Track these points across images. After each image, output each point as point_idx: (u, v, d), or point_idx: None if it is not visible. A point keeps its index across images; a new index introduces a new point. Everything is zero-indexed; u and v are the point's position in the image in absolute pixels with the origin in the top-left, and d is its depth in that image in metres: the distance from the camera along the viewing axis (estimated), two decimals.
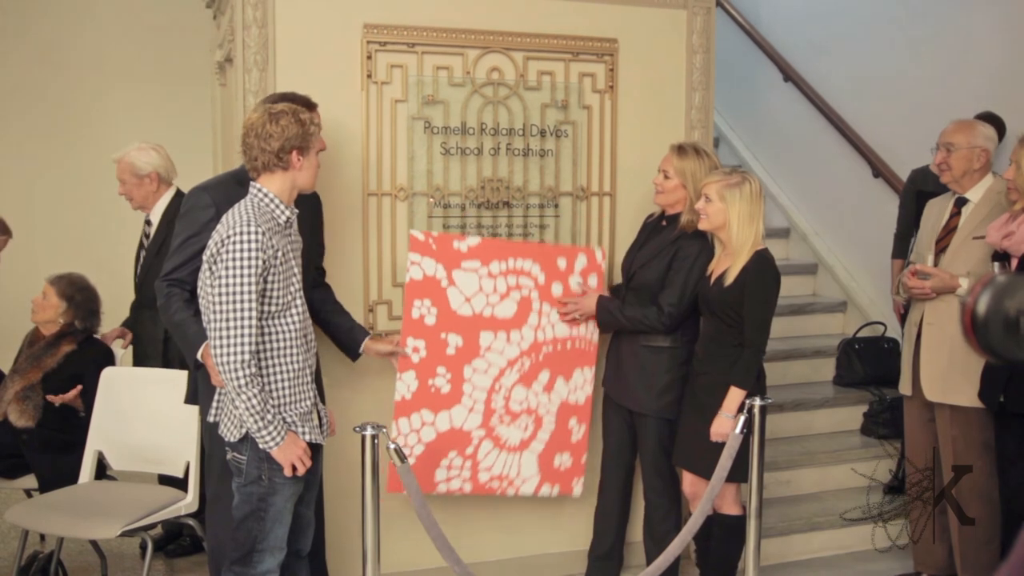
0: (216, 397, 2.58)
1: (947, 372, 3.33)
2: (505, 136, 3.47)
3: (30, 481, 3.59)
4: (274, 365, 2.47)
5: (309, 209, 2.98)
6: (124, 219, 5.48)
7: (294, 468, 2.48)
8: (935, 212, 3.52)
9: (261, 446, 2.44)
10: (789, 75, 5.75)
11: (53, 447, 3.55)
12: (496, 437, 3.35)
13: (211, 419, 2.59)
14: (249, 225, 2.37)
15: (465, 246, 3.27)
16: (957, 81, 4.58)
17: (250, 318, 2.37)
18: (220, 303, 2.36)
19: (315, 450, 2.61)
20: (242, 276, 2.35)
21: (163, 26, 5.64)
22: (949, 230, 3.41)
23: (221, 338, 2.37)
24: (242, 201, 2.50)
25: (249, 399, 2.39)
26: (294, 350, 2.50)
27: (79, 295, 3.73)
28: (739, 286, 3.05)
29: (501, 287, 3.31)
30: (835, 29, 5.51)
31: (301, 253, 2.64)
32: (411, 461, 3.20)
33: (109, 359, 3.74)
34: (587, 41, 3.53)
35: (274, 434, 2.43)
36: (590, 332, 3.44)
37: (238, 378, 2.37)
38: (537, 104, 3.49)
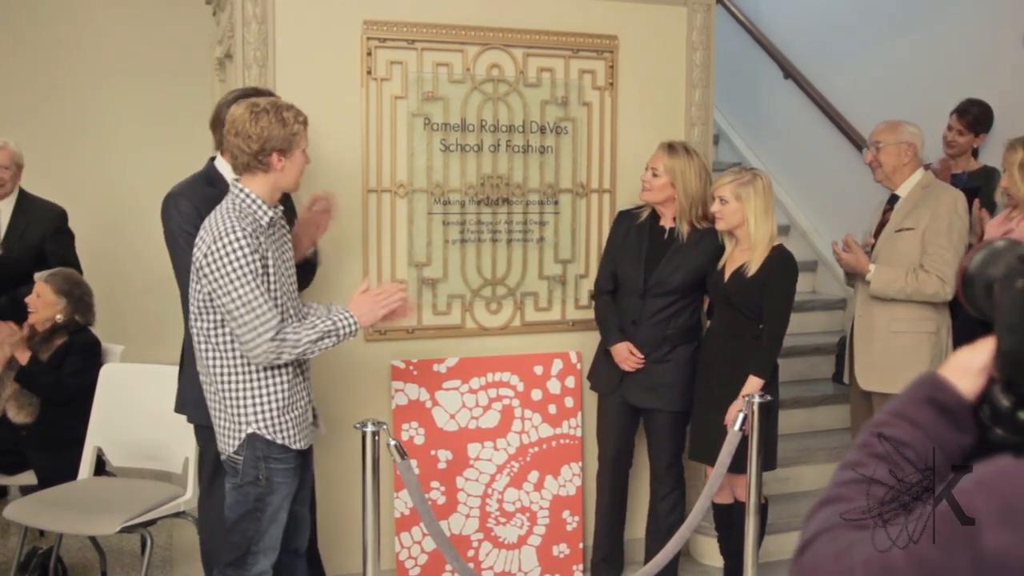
0: (209, 407, 2.55)
1: (877, 361, 3.44)
2: (505, 133, 3.46)
3: (29, 477, 3.59)
4: (270, 370, 2.46)
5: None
6: (124, 214, 5.49)
7: (289, 477, 2.51)
8: (878, 210, 3.63)
9: (351, 335, 2.52)
10: (789, 72, 5.74)
11: (52, 443, 3.56)
12: (494, 538, 3.49)
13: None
14: (234, 231, 2.33)
15: (444, 367, 3.40)
16: (958, 79, 4.57)
17: (266, 308, 2.36)
18: (235, 308, 2.34)
19: (307, 450, 2.61)
20: (244, 276, 2.33)
21: (162, 22, 5.62)
22: (881, 225, 3.53)
23: (249, 338, 2.37)
24: (223, 204, 2.44)
25: (313, 342, 2.43)
26: None
27: (76, 290, 3.73)
28: (761, 279, 3.10)
29: (483, 400, 3.46)
30: (835, 26, 5.50)
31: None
32: (416, 571, 3.31)
33: (96, 348, 3.74)
34: (587, 38, 3.52)
35: (349, 329, 2.50)
36: (574, 428, 3.54)
37: (282, 352, 2.40)
38: (537, 101, 3.49)
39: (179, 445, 3.30)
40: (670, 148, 3.28)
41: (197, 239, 2.43)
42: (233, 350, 2.44)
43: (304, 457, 2.58)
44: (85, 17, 5.60)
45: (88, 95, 5.64)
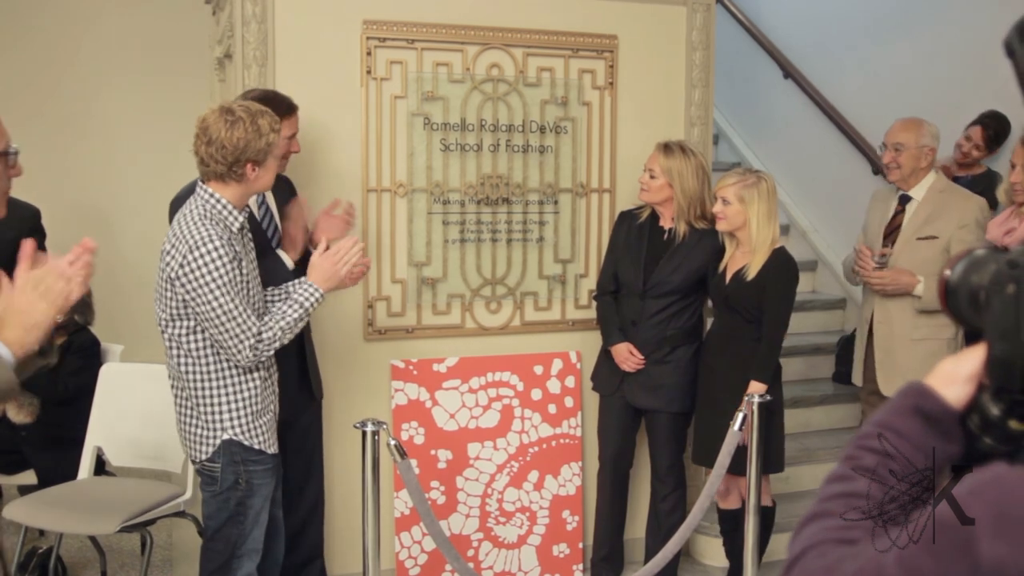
0: (177, 419, 2.55)
1: (902, 369, 3.41)
2: (505, 132, 3.46)
3: (29, 477, 3.59)
4: (242, 376, 2.46)
5: (283, 197, 2.95)
6: (124, 213, 5.48)
7: (268, 478, 2.53)
8: (880, 207, 3.58)
9: (318, 304, 2.51)
10: (789, 72, 5.74)
11: (52, 443, 3.55)
12: (494, 538, 3.49)
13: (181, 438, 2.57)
14: (211, 240, 2.30)
15: (444, 367, 3.41)
16: (957, 78, 4.58)
17: (247, 315, 2.36)
18: (216, 318, 2.33)
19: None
20: (224, 285, 2.32)
21: (162, 21, 5.62)
22: (894, 228, 3.48)
23: (232, 344, 2.37)
24: (190, 208, 2.39)
25: (287, 329, 2.43)
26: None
27: None
28: (760, 282, 3.09)
29: (483, 400, 3.46)
30: (835, 26, 5.50)
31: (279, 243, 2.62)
32: (416, 571, 3.31)
33: (95, 347, 3.73)
34: (587, 37, 3.52)
35: (313, 301, 2.48)
36: (573, 428, 3.55)
37: (263, 351, 2.40)
38: (537, 100, 3.49)
39: (179, 445, 3.29)
40: (666, 148, 3.28)
41: (167, 245, 2.39)
42: (206, 356, 2.43)
43: (278, 458, 2.58)
44: (84, 17, 5.60)
45: (87, 95, 5.64)
